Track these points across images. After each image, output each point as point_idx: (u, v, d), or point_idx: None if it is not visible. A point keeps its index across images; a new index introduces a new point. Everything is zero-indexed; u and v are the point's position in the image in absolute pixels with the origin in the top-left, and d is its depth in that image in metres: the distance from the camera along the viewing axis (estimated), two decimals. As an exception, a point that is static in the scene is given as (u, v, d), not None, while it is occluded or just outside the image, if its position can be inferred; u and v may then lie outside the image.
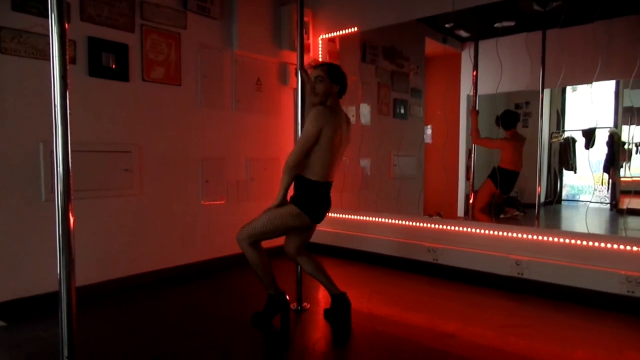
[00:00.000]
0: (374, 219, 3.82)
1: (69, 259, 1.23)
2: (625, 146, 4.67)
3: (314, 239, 4.04)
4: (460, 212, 4.64)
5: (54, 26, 1.19)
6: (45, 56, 2.55)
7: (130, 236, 3.02)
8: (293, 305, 2.63)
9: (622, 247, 2.64)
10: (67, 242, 1.23)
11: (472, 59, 4.00)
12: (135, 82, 3.01)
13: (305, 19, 3.89)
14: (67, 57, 1.22)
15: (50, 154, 2.57)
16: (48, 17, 1.20)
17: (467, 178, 4.38)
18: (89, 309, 2.57)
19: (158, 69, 3.12)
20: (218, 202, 3.56)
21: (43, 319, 2.45)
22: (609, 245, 2.68)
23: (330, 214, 4.08)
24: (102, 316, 2.51)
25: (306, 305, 2.65)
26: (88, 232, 2.79)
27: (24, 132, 2.52)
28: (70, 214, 1.23)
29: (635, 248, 2.59)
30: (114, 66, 2.88)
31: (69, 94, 1.22)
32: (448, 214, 4.23)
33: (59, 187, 1.23)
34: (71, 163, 1.25)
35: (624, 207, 3.09)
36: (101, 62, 2.82)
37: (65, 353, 1.21)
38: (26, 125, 2.53)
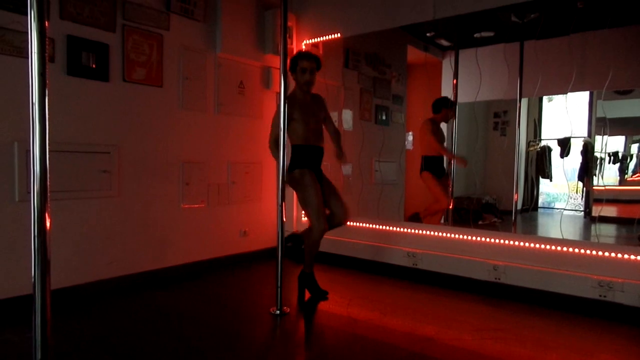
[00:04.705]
0: (354, 223, 3.84)
1: (45, 260, 1.21)
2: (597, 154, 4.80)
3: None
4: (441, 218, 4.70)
5: (34, 23, 1.18)
6: (23, 53, 2.50)
7: (107, 239, 2.96)
8: (272, 310, 2.62)
9: (594, 252, 2.71)
10: (42, 243, 1.21)
11: (453, 67, 4.08)
12: (116, 82, 2.97)
13: (289, 23, 3.91)
14: (47, 54, 1.20)
15: (25, 153, 2.51)
16: (25, 14, 1.18)
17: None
18: (62, 313, 2.51)
19: (139, 70, 3.09)
20: (198, 206, 3.52)
21: (12, 323, 2.38)
22: (582, 251, 2.75)
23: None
24: (77, 320, 2.45)
25: (286, 309, 2.64)
26: (63, 234, 2.73)
27: (-1, 131, 2.46)
28: (46, 215, 1.21)
29: (606, 254, 2.67)
30: (93, 66, 2.84)
31: (47, 92, 1.21)
32: (428, 220, 4.28)
33: (35, 187, 1.21)
34: (48, 162, 1.23)
35: (597, 214, 3.19)
36: (81, 61, 2.78)
37: (39, 356, 1.18)
38: (0, 123, 2.46)
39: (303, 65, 2.79)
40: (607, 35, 3.35)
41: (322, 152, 2.93)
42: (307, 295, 2.94)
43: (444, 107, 4.07)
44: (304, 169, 2.82)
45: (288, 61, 2.71)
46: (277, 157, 2.72)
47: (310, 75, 2.80)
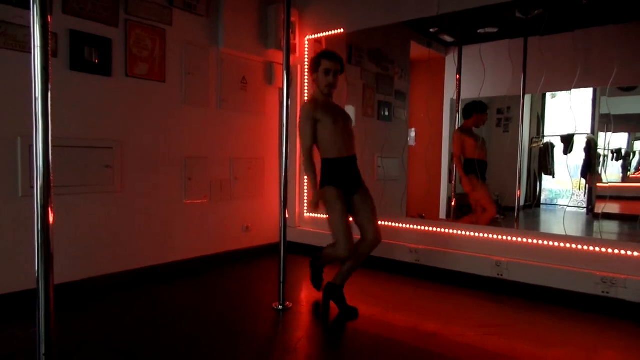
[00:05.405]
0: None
1: (48, 255, 1.21)
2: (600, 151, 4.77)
3: (299, 238, 4.06)
4: (443, 214, 4.70)
5: (37, 17, 1.17)
6: (25, 48, 2.50)
7: (110, 234, 2.97)
8: (275, 305, 2.62)
9: (597, 249, 2.71)
10: (46, 238, 1.21)
11: (456, 63, 4.06)
12: (118, 77, 2.97)
13: (292, 18, 3.89)
14: (50, 48, 1.20)
15: (28, 148, 2.52)
16: (28, 8, 1.18)
17: (450, 181, 4.43)
18: (66, 308, 2.52)
19: (142, 65, 3.08)
20: (200, 201, 3.53)
21: (16, 318, 2.39)
22: (584, 247, 2.75)
23: (312, 215, 4.10)
24: (80, 315, 2.46)
25: (289, 304, 2.64)
26: (66, 229, 2.74)
27: (1, 126, 2.46)
28: (49, 210, 1.21)
29: (609, 250, 2.66)
30: (96, 60, 2.84)
31: (50, 87, 1.20)
32: (430, 216, 4.28)
33: (38, 182, 1.20)
34: (51, 157, 1.23)
35: (600, 211, 3.17)
36: (83, 56, 2.77)
37: (43, 350, 1.18)
38: (3, 118, 2.47)
39: (327, 66, 2.49)
40: (611, 32, 3.33)
41: (354, 161, 2.62)
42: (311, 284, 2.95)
43: (475, 112, 3.82)
44: (333, 188, 2.52)
45: (291, 57, 2.67)
46: (309, 173, 2.51)
47: (334, 78, 2.51)
